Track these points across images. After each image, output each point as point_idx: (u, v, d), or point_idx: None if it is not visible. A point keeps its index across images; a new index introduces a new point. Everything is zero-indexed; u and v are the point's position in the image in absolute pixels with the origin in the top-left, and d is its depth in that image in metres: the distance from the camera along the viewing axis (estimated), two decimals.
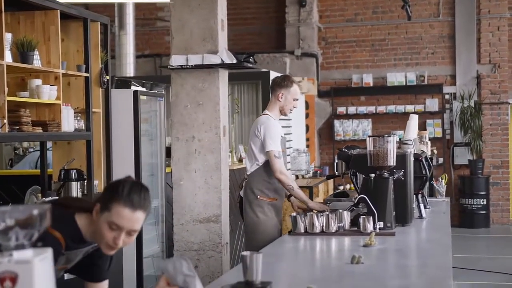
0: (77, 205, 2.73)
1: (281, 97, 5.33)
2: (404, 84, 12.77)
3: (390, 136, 4.37)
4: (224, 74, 5.92)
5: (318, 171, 11.23)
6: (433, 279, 2.96)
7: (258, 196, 5.23)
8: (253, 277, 2.71)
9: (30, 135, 4.96)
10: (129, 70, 10.68)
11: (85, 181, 5.60)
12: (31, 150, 8.38)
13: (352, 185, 11.97)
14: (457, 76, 12.73)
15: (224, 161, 5.84)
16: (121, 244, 2.61)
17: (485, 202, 12.30)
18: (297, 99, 5.38)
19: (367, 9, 13.08)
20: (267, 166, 5.21)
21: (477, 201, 12.28)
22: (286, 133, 10.28)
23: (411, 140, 5.12)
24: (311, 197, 8.89)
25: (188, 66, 5.69)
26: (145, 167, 6.63)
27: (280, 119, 9.44)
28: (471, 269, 8.81)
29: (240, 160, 8.12)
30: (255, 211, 5.23)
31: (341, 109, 12.99)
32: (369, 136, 4.41)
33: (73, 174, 5.42)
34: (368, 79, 12.92)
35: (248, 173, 5.36)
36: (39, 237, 1.85)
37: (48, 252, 1.76)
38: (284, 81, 5.36)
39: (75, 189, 5.42)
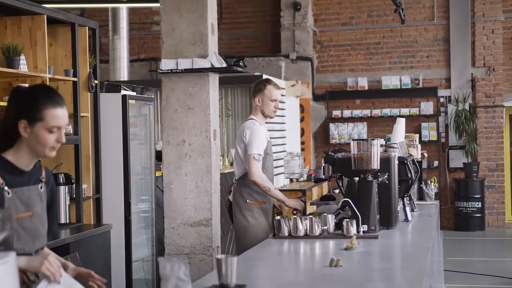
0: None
1: (259, 101, 5.40)
2: (399, 87, 12.79)
3: (374, 139, 4.38)
4: (214, 78, 5.93)
5: (313, 175, 11.22)
6: (408, 281, 2.97)
7: (248, 200, 5.28)
8: (227, 280, 2.73)
9: None
10: (123, 74, 10.69)
11: (73, 185, 5.61)
12: None
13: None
14: (452, 79, 12.74)
15: (214, 165, 5.85)
16: (63, 140, 2.74)
17: (480, 205, 12.30)
18: (275, 100, 5.40)
19: (362, 12, 13.11)
20: None
21: (472, 204, 12.28)
22: (280, 136, 10.32)
23: (396, 143, 5.13)
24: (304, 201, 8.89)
25: (178, 70, 5.71)
26: (135, 171, 6.64)
27: (273, 123, 9.43)
28: (464, 272, 8.82)
29: (232, 164, 8.13)
30: (244, 215, 5.27)
31: (336, 113, 13.01)
32: (353, 140, 4.42)
33: (61, 178, 5.43)
34: (363, 83, 12.94)
35: (236, 178, 5.40)
36: None
37: (10, 257, 1.78)
38: (258, 85, 5.44)
39: (63, 194, 5.43)
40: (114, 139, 6.26)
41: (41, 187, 2.83)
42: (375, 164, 4.34)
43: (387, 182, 4.47)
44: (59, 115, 2.72)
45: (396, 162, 4.63)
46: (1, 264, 1.72)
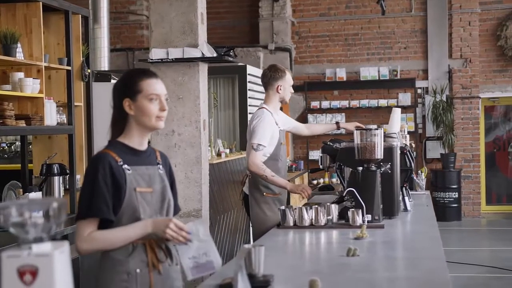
0: (113, 135, 2.98)
1: (280, 89, 5.32)
2: (377, 78, 12.84)
3: (377, 129, 4.38)
4: (204, 68, 5.90)
5: (293, 166, 11.26)
6: (431, 270, 2.98)
7: (264, 193, 5.14)
8: (255, 270, 2.71)
9: (13, 129, 4.88)
10: (104, 64, 10.55)
11: (67, 175, 5.52)
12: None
13: (329, 179, 11.99)
14: (429, 71, 12.84)
15: (204, 155, 5.82)
16: (166, 108, 2.88)
17: (456, 196, 12.44)
18: (291, 84, 5.41)
19: (340, 3, 13.13)
20: (270, 162, 5.11)
21: (449, 194, 12.41)
22: None
23: (395, 133, 5.14)
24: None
25: (168, 60, 5.65)
26: None
27: (252, 113, 9.36)
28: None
29: (219, 155, 8.09)
30: (262, 208, 5.11)
31: (314, 104, 13.03)
32: (356, 129, 4.41)
33: (55, 168, 5.34)
34: (342, 74, 12.97)
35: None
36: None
37: (65, 246, 1.74)
38: (278, 73, 5.31)
39: (57, 184, 5.34)
40: (107, 129, 6.16)
41: (159, 169, 2.96)
42: (379, 154, 4.34)
43: (389, 171, 4.48)
44: (155, 84, 2.88)
45: (398, 151, 4.65)
46: (59, 253, 1.69)
